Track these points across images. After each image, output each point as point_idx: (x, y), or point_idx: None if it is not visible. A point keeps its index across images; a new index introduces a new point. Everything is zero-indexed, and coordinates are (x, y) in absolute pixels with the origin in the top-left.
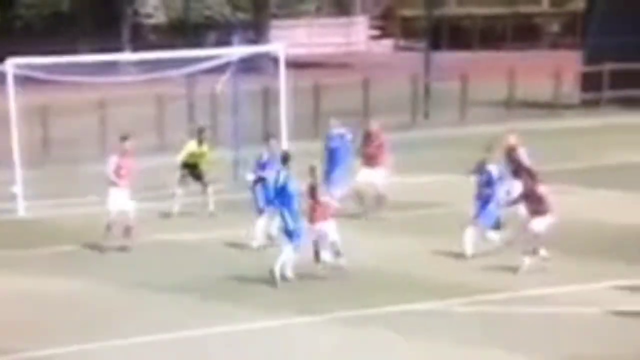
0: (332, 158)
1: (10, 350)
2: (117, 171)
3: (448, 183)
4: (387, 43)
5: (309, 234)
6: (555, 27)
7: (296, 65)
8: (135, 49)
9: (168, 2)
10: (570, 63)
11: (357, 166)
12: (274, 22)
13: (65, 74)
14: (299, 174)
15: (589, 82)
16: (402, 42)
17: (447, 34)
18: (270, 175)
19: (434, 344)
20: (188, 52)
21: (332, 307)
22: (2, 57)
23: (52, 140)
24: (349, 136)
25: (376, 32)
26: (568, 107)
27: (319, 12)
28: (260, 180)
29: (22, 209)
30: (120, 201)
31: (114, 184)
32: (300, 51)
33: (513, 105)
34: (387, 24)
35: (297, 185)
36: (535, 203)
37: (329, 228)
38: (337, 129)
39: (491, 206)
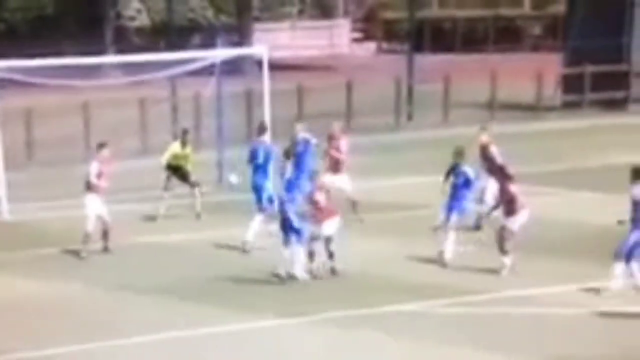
0: (297, 163)
1: None
2: (98, 177)
3: (432, 185)
4: (369, 46)
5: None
6: (536, 30)
7: (279, 67)
8: (119, 51)
9: (151, 5)
10: (551, 65)
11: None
12: (257, 25)
13: (48, 77)
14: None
15: (570, 84)
16: (384, 45)
17: (430, 37)
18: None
19: (422, 344)
20: (171, 55)
21: (321, 308)
22: None
23: (36, 143)
24: (313, 141)
25: (359, 35)
26: (550, 109)
27: (301, 15)
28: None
29: (6, 212)
30: (97, 206)
31: (93, 189)
32: (284, 54)
33: (495, 107)
34: (369, 26)
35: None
36: (507, 203)
37: (333, 225)
38: (303, 133)
39: (467, 204)
